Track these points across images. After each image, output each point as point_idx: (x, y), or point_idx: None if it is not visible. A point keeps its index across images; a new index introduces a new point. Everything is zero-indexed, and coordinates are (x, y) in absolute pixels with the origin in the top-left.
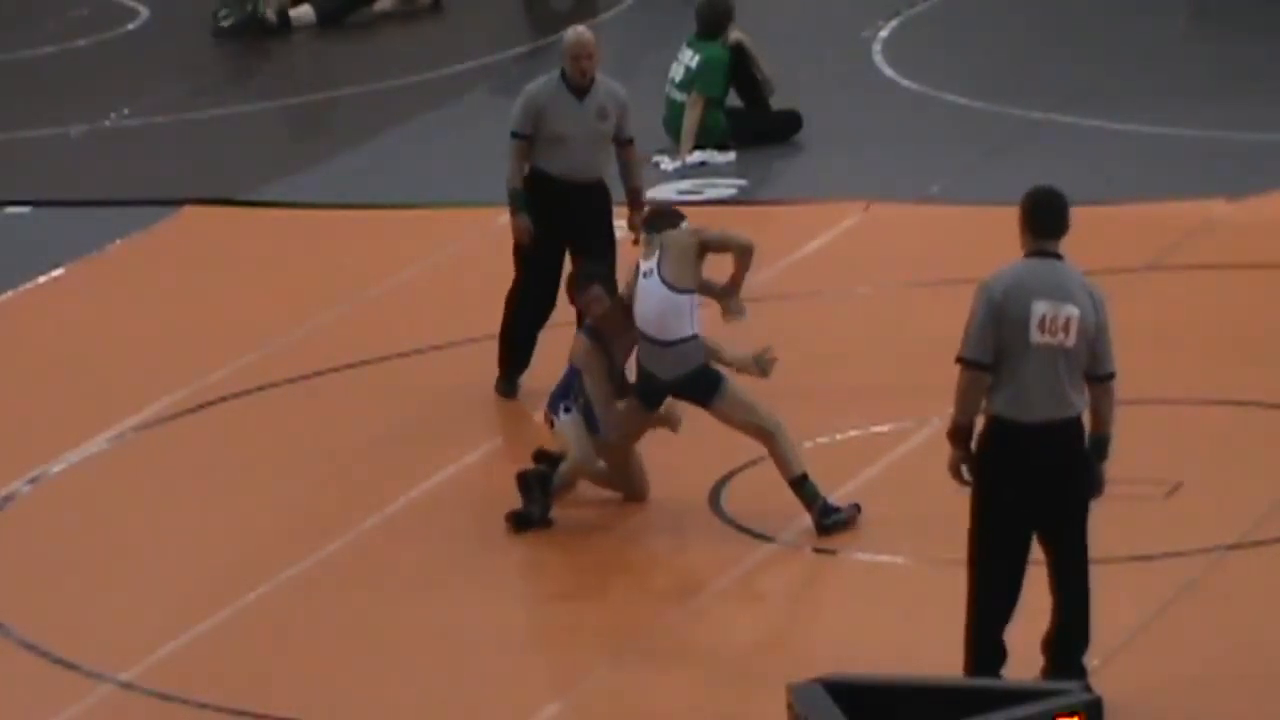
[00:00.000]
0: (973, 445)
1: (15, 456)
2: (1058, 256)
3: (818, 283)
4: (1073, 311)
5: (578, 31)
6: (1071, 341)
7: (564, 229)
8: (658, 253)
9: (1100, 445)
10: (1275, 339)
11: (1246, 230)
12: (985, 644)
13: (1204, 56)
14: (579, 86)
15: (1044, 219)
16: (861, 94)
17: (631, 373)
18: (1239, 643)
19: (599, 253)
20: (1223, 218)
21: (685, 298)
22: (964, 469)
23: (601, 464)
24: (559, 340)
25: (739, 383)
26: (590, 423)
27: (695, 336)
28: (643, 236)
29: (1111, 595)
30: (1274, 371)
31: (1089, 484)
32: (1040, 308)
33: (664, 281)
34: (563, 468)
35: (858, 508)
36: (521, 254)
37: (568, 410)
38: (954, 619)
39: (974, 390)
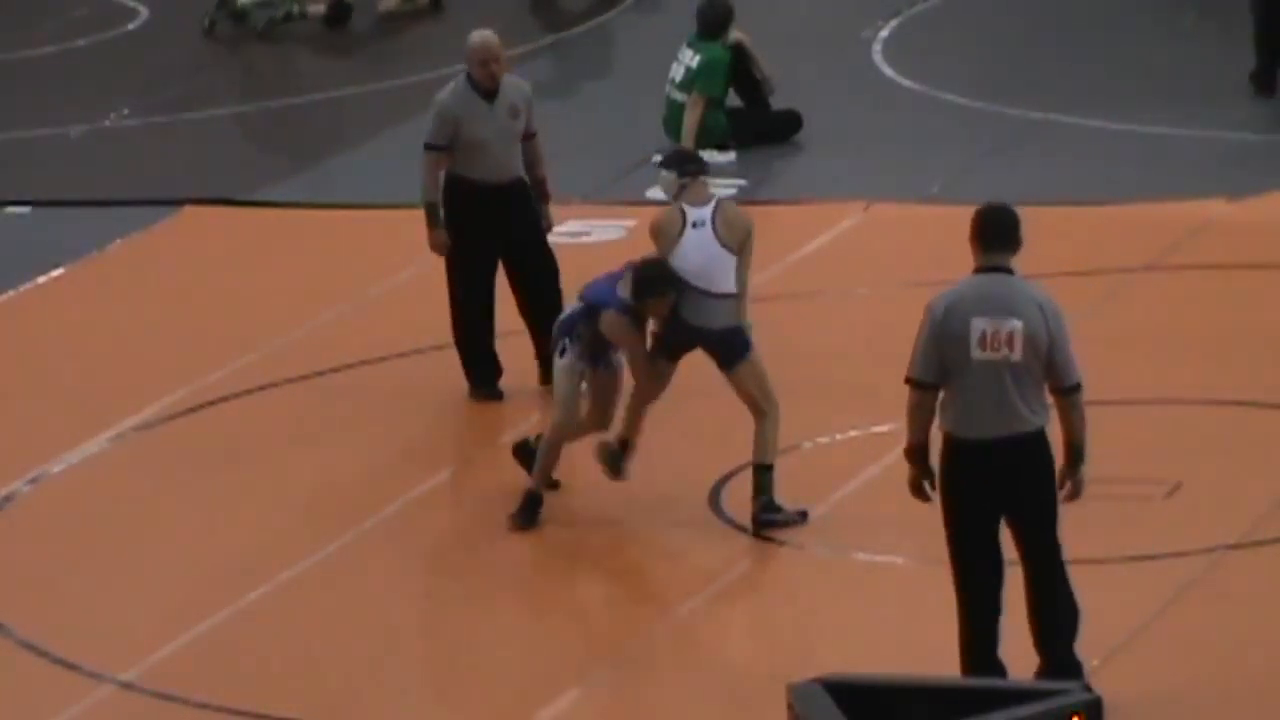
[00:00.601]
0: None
1: (15, 456)
2: (1007, 271)
3: (818, 283)
4: (1015, 325)
5: (484, 35)
6: (1017, 356)
7: (493, 231)
8: (711, 208)
9: (1073, 454)
10: (1275, 339)
11: (1246, 230)
12: (981, 663)
13: (1204, 56)
14: (488, 90)
15: (990, 234)
16: (861, 94)
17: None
18: (1239, 643)
19: (533, 249)
20: (1223, 218)
21: (731, 257)
22: (926, 485)
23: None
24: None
25: None
26: (594, 361)
27: (736, 295)
28: (671, 175)
29: (1111, 595)
30: (1274, 371)
31: (1047, 494)
32: (979, 324)
33: (716, 236)
34: (547, 436)
35: (804, 515)
36: (454, 263)
37: (563, 353)
38: (954, 619)
39: (922, 409)
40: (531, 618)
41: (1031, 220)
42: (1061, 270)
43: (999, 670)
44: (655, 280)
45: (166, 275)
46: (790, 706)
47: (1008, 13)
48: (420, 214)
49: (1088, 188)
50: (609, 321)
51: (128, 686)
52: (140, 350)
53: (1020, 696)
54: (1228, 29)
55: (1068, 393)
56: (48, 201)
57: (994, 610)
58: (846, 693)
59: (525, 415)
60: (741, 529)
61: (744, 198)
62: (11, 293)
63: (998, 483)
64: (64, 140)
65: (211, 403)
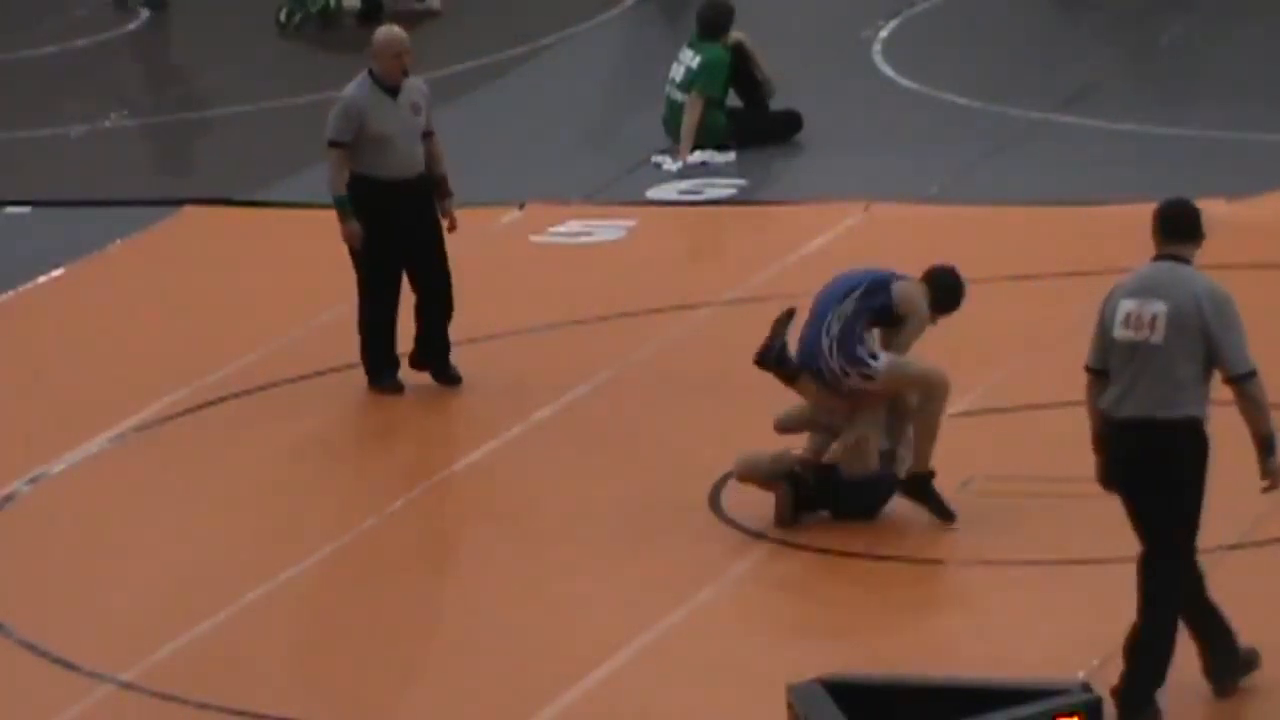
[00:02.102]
0: None
1: (15, 456)
2: (1181, 260)
3: (818, 283)
4: (1159, 308)
5: (392, 30)
6: (1158, 338)
7: (397, 227)
8: None
9: (1259, 443)
10: (1275, 339)
11: (1246, 230)
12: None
13: (1204, 56)
14: (392, 85)
15: (1165, 226)
16: (861, 94)
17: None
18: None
19: (431, 243)
20: (1223, 218)
21: None
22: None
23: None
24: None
25: None
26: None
27: None
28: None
29: (1111, 595)
30: (1274, 371)
31: (1168, 487)
32: (1126, 305)
33: None
34: (932, 402)
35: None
36: (359, 258)
37: (875, 357)
38: (954, 619)
39: (1090, 395)
40: (531, 617)
41: (1031, 220)
42: (1061, 270)
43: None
44: (960, 292)
45: (166, 275)
46: (790, 706)
47: (1008, 13)
48: None
49: (1088, 188)
50: (907, 291)
51: (128, 686)
52: (140, 350)
53: (1020, 696)
54: (1228, 28)
55: (1237, 381)
56: (48, 201)
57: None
58: (846, 693)
59: (522, 416)
60: (742, 529)
61: (744, 198)
62: (11, 293)
63: (1123, 466)
64: (64, 140)
65: (211, 403)
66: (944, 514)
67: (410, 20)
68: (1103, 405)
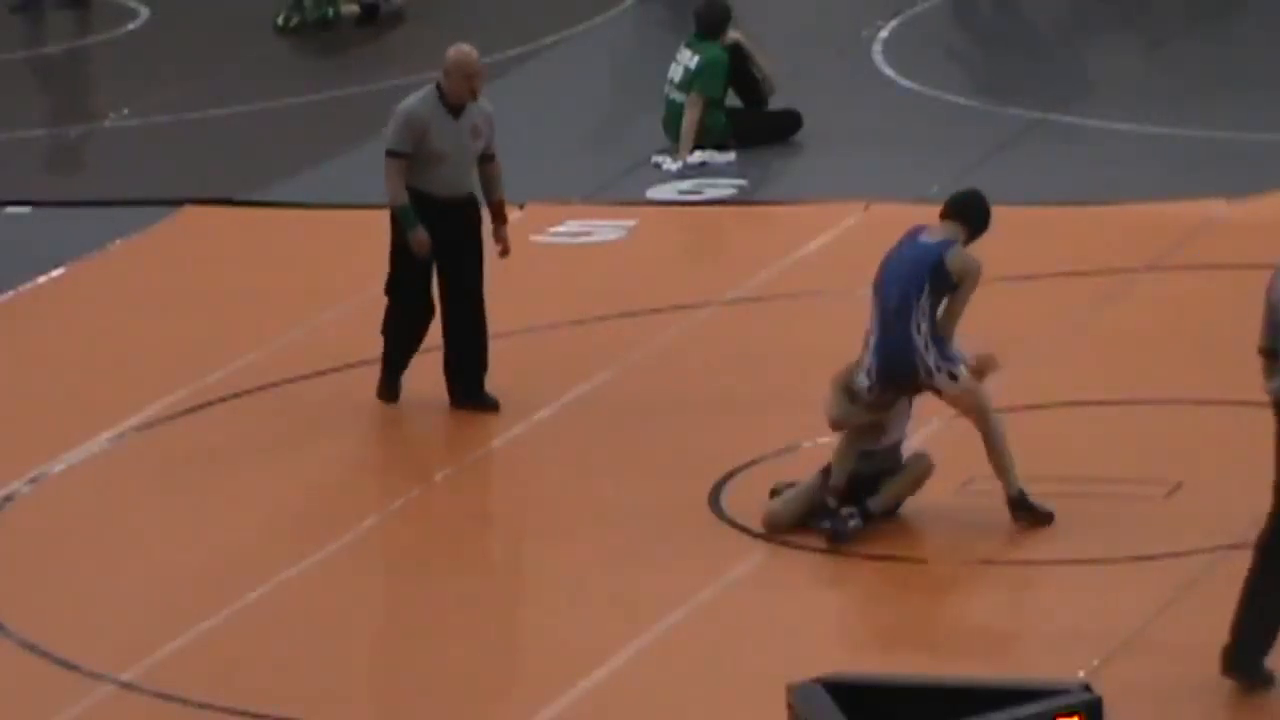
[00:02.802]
0: None
1: (15, 456)
2: None
3: (818, 283)
4: None
5: (466, 50)
6: None
7: (439, 246)
8: None
9: None
10: None
11: (1246, 230)
12: None
13: (1204, 56)
14: (457, 105)
15: None
16: (861, 94)
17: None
18: None
19: (471, 267)
20: (1223, 218)
21: None
22: None
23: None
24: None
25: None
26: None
27: None
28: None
29: (1111, 595)
30: None
31: None
32: None
33: None
34: (997, 430)
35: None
36: (397, 274)
37: (954, 377)
38: (954, 618)
39: (1265, 376)
40: (531, 617)
41: (1031, 220)
42: (1061, 270)
43: None
44: (986, 206)
45: (166, 275)
46: (790, 706)
47: (1008, 13)
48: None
49: (1088, 188)
50: (961, 259)
51: (128, 686)
52: (140, 350)
53: (1020, 696)
54: (1228, 28)
55: None
56: (48, 201)
57: None
58: (846, 693)
59: (523, 416)
60: (742, 529)
61: (744, 198)
62: (11, 293)
63: None
64: (64, 140)
65: (211, 403)
66: (1045, 518)
67: (398, 22)
68: (1273, 386)
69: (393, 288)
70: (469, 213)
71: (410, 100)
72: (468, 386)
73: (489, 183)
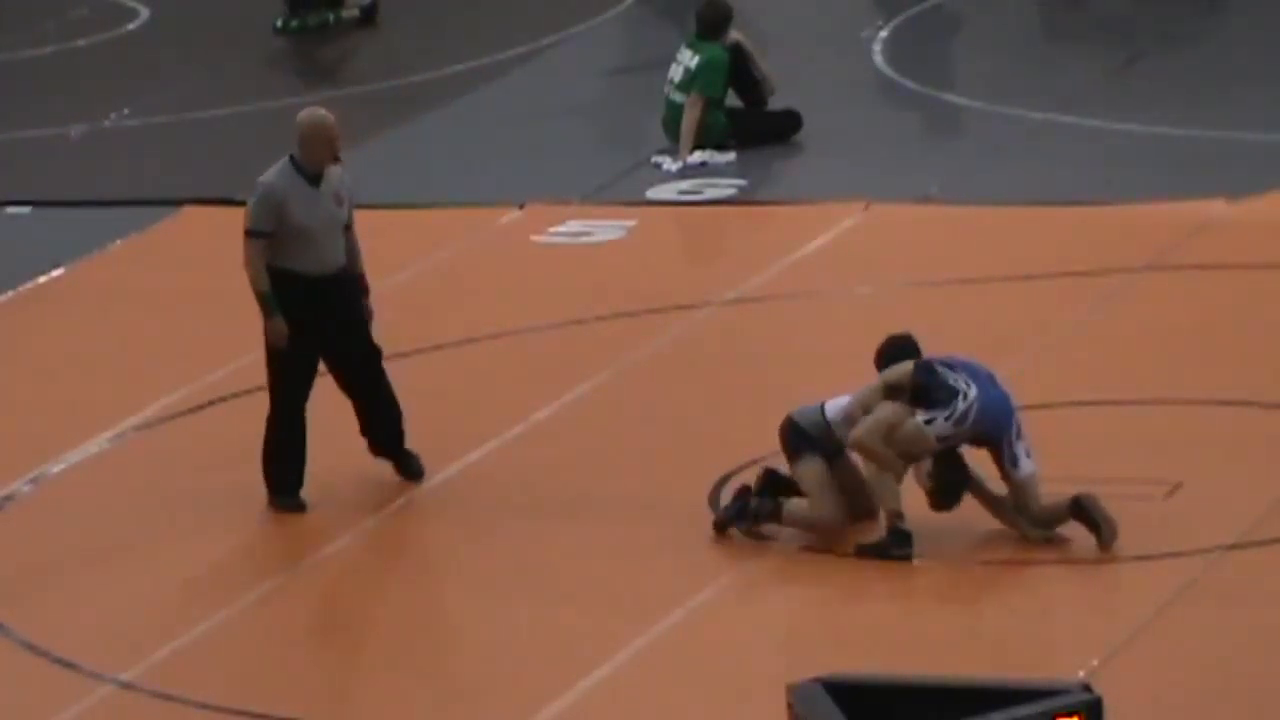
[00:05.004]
0: None
1: (15, 456)
2: None
3: (818, 283)
4: None
5: (321, 114)
6: None
7: (316, 328)
8: None
9: None
10: (1275, 339)
11: (1246, 230)
12: None
13: (1204, 56)
14: (315, 173)
15: None
16: (861, 94)
17: None
18: (1239, 643)
19: (360, 337)
20: (1223, 218)
21: None
22: None
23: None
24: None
25: None
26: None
27: None
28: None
29: (1111, 595)
30: (1274, 371)
31: None
32: None
33: None
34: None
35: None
36: (274, 363)
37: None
38: (955, 618)
39: None
40: (531, 618)
41: (1031, 220)
42: (1061, 270)
43: None
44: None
45: (166, 275)
46: (790, 706)
47: (1008, 13)
48: (419, 214)
49: (1088, 188)
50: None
51: (128, 686)
52: (140, 350)
53: (1020, 696)
54: (1228, 27)
55: None
56: (48, 201)
57: None
58: (846, 693)
59: (523, 416)
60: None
61: (744, 198)
62: (11, 293)
63: None
64: (64, 140)
65: (211, 403)
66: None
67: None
68: None
69: (273, 384)
70: (345, 285)
71: (265, 175)
72: (396, 454)
73: (350, 254)
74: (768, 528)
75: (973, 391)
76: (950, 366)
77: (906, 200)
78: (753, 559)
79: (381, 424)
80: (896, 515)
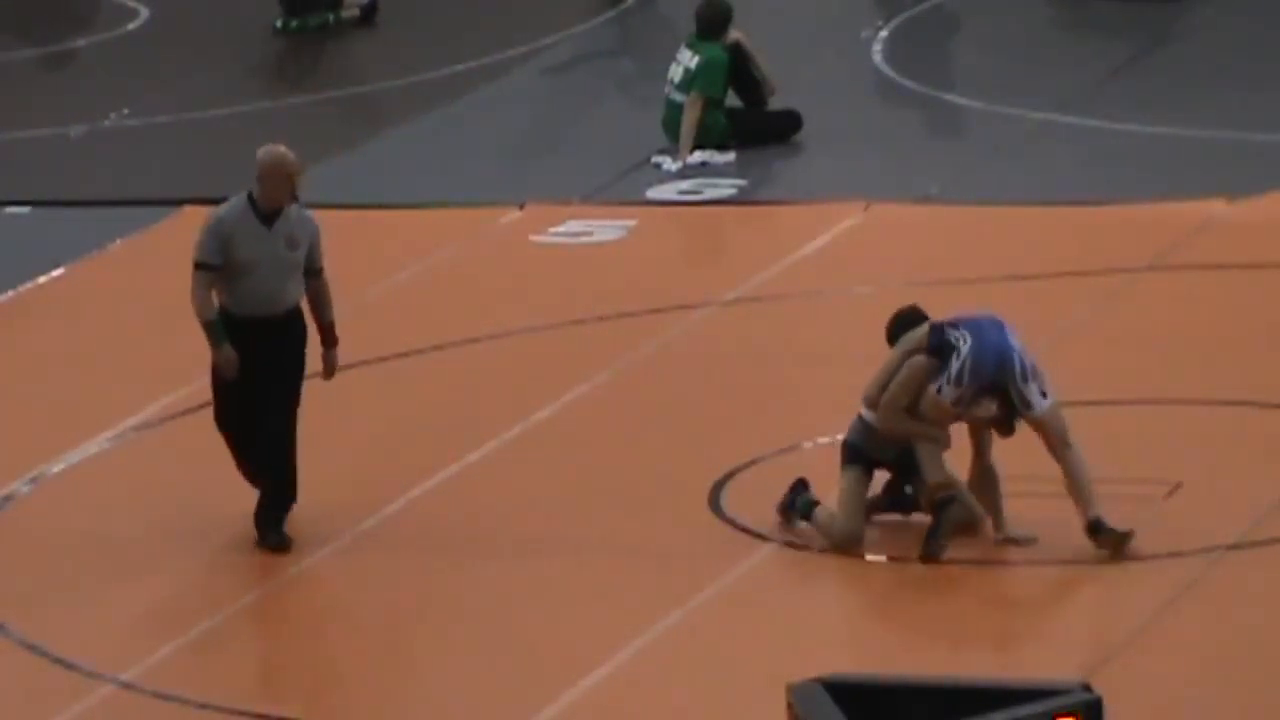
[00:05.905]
0: None
1: (15, 456)
2: None
3: (818, 283)
4: None
5: (281, 151)
6: None
7: (253, 367)
8: None
9: None
10: (1275, 339)
11: (1246, 230)
12: None
13: (1204, 56)
14: (271, 212)
15: None
16: (861, 94)
17: None
18: (1239, 643)
19: (279, 394)
20: (1222, 218)
21: None
22: None
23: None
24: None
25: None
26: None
27: None
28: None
29: (1111, 595)
30: (1274, 371)
31: None
32: None
33: None
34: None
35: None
36: (217, 405)
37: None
38: (955, 618)
39: None
40: (531, 617)
41: (1031, 220)
42: (1061, 270)
43: None
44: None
45: (166, 275)
46: (790, 706)
47: (1008, 13)
48: (418, 214)
49: (1088, 188)
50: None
51: (128, 686)
52: (141, 350)
53: (1020, 696)
54: (1228, 27)
55: None
56: (48, 201)
57: None
58: (846, 693)
59: (522, 416)
60: (742, 529)
61: (744, 198)
62: (11, 293)
63: None
64: (64, 140)
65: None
66: (1125, 538)
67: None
68: None
69: (219, 418)
70: (285, 333)
71: (219, 208)
72: (264, 516)
73: (315, 302)
74: (801, 525)
75: (965, 347)
76: (955, 325)
77: (906, 200)
78: (753, 559)
79: (266, 489)
80: (937, 487)
